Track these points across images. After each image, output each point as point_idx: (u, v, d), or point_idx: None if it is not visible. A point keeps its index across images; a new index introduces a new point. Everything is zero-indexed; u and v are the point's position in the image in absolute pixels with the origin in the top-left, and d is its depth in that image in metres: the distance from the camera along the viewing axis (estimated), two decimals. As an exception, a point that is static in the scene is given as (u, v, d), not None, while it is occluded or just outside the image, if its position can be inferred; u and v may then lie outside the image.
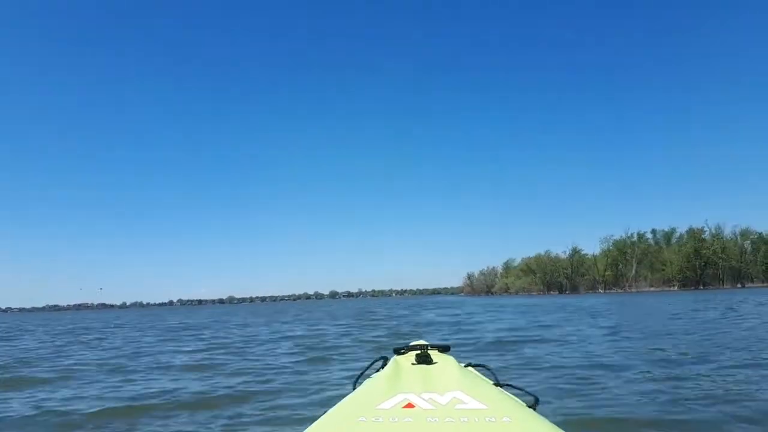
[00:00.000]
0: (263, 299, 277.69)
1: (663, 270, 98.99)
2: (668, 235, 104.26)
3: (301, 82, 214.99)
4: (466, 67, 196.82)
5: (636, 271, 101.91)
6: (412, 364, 2.13)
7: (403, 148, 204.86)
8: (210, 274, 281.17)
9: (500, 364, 6.77)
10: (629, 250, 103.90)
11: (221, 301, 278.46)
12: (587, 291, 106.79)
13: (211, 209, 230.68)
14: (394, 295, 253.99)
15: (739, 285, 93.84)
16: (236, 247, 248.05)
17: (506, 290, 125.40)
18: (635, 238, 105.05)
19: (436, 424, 1.28)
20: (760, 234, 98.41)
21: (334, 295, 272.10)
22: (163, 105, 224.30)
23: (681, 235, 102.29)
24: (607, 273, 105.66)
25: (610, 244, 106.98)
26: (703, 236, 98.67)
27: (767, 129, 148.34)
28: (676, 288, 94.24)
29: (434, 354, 2.30)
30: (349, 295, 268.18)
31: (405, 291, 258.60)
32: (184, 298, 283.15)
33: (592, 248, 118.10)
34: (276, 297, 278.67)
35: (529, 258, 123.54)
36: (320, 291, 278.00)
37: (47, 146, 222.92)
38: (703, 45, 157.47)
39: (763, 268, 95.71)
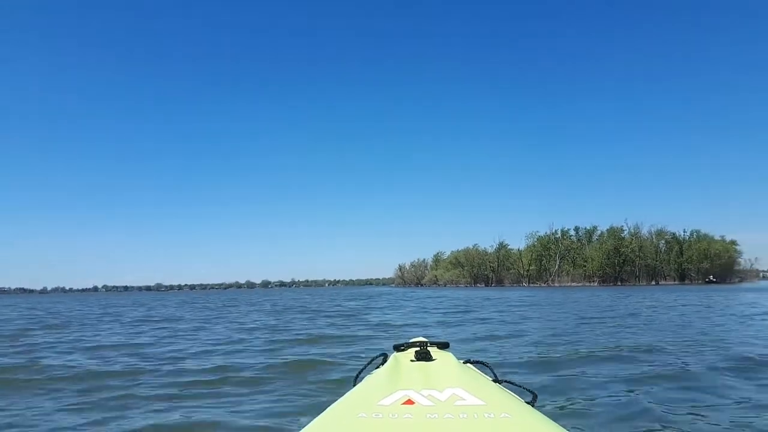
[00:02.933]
0: (192, 287, 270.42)
1: (584, 266, 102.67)
2: (590, 233, 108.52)
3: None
4: (392, 65, 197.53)
5: (559, 266, 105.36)
6: (412, 360, 2.12)
7: (336, 140, 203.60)
8: (137, 260, 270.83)
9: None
10: (553, 246, 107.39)
11: (148, 288, 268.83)
12: (512, 284, 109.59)
13: (140, 192, 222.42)
14: (327, 285, 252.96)
15: (653, 282, 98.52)
16: (165, 232, 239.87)
17: (435, 282, 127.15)
18: (559, 234, 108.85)
19: (436, 421, 1.28)
20: (674, 234, 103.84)
21: (266, 284, 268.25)
22: (93, 87, 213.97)
23: (602, 233, 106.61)
24: (531, 267, 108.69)
25: (535, 239, 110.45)
26: (622, 235, 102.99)
27: (689, 138, 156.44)
28: (596, 284, 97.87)
29: (433, 351, 2.26)
30: (282, 284, 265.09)
31: (338, 281, 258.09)
32: (110, 284, 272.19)
33: (518, 243, 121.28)
34: (206, 285, 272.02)
35: (458, 251, 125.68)
36: (252, 280, 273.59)
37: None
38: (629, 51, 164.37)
39: (675, 266, 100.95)
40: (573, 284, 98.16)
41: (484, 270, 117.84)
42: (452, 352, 2.33)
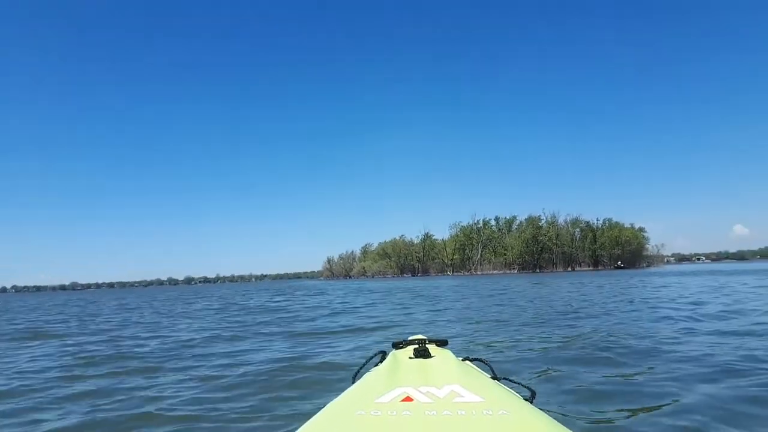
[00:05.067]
0: (111, 285, 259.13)
1: (505, 254, 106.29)
2: (509, 222, 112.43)
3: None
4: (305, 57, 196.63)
5: (481, 255, 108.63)
6: (410, 358, 2.14)
7: (259, 131, 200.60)
8: (50, 258, 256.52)
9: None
10: (475, 236, 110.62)
11: (63, 288, 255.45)
12: (437, 273, 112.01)
13: (52, 187, 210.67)
14: (253, 279, 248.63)
15: (569, 269, 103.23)
16: (80, 228, 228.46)
17: (364, 273, 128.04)
18: (480, 224, 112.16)
19: (434, 417, 1.29)
20: (588, 222, 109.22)
21: (189, 281, 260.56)
22: None
23: (521, 223, 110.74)
24: (455, 257, 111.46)
25: (458, 229, 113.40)
26: (540, 224, 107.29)
27: (599, 131, 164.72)
28: (516, 271, 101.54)
29: (432, 348, 2.29)
30: (206, 280, 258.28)
31: (265, 276, 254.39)
32: (20, 284, 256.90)
33: (442, 233, 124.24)
34: (125, 283, 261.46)
35: (386, 242, 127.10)
36: (174, 276, 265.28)
37: None
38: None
39: (590, 253, 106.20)
40: (494, 272, 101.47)
41: (411, 260, 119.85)
42: (451, 350, 2.38)
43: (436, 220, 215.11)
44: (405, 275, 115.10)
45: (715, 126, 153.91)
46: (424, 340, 2.39)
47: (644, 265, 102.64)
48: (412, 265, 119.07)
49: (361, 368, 2.35)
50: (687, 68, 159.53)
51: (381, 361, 2.34)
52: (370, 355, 2.54)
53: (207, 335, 8.67)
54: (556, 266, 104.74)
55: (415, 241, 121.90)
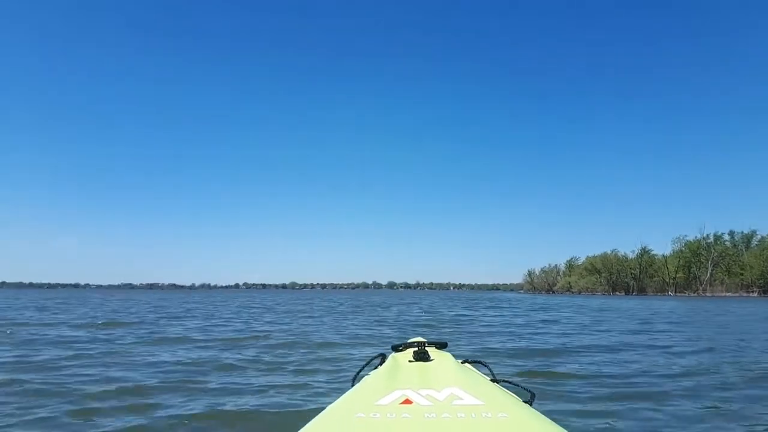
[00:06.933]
0: (323, 286, 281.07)
1: (741, 274, 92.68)
2: (748, 238, 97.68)
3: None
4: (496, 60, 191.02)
5: (711, 275, 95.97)
6: (410, 361, 2.17)
7: (465, 136, 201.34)
8: (271, 260, 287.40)
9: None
10: (704, 252, 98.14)
11: (284, 287, 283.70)
12: (655, 293, 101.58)
13: (270, 197, 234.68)
14: (452, 288, 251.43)
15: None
16: (297, 233, 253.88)
17: (568, 289, 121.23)
18: (711, 239, 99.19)
19: (434, 420, 1.29)
20: None
21: (392, 285, 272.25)
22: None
23: (762, 238, 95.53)
24: (678, 275, 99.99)
25: (683, 245, 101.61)
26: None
27: None
28: (756, 294, 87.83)
29: (431, 351, 2.31)
30: (407, 286, 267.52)
31: (463, 285, 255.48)
32: (249, 281, 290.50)
33: (661, 249, 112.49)
34: (336, 285, 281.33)
35: (594, 257, 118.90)
36: (378, 281, 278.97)
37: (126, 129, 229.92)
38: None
39: None
40: (727, 294, 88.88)
41: (624, 277, 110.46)
42: (450, 353, 2.34)
43: (650, 234, 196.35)
44: (617, 293, 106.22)
45: None
46: (424, 342, 2.37)
47: None
48: (626, 282, 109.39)
49: (360, 371, 2.31)
50: None
51: (380, 364, 2.30)
52: (370, 357, 2.48)
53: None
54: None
55: (630, 256, 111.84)
